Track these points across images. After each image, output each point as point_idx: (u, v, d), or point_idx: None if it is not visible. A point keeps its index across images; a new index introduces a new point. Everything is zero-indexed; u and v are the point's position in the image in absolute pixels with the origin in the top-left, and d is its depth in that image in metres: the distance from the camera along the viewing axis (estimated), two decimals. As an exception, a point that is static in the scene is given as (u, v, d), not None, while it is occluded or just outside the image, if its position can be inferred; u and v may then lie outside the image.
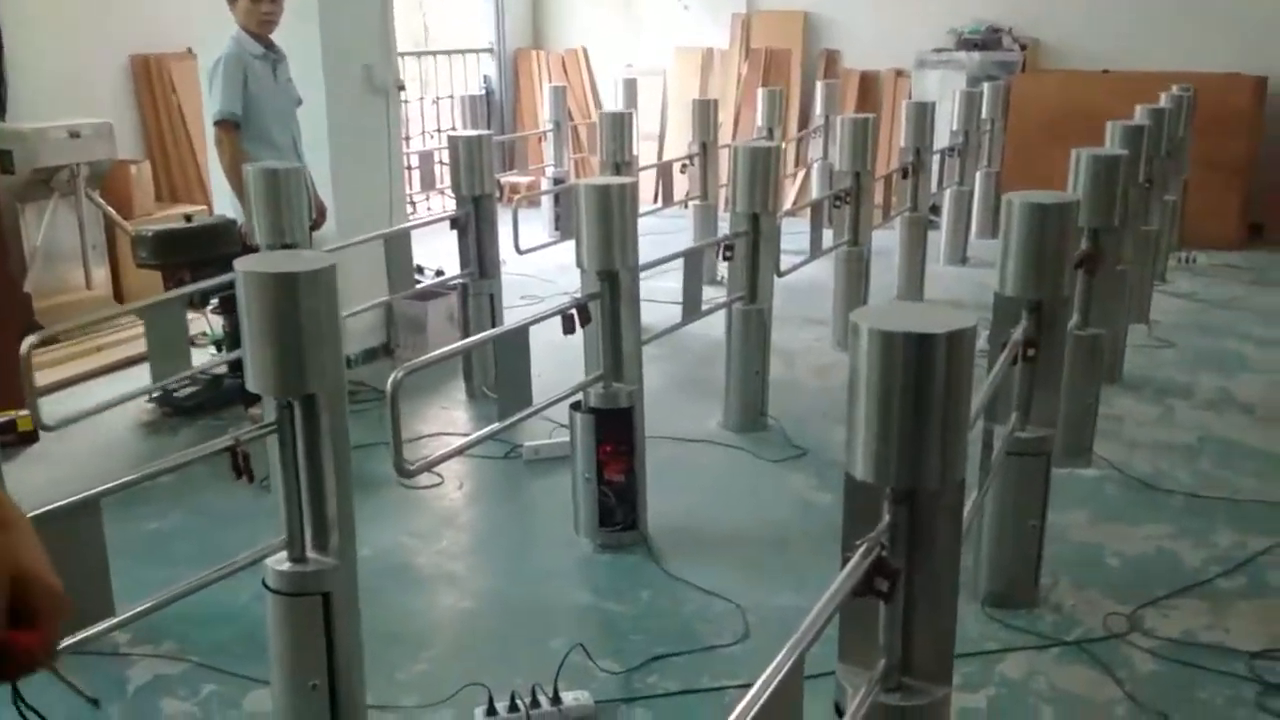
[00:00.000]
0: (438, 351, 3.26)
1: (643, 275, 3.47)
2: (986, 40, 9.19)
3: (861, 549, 1.81)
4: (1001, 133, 8.64)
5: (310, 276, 2.14)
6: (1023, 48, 9.17)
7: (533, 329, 3.37)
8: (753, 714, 1.33)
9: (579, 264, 3.39)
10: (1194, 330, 6.20)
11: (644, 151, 9.94)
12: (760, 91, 8.50)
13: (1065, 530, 3.79)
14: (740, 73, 10.13)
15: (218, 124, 4.67)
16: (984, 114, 8.16)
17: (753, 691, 1.37)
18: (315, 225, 4.88)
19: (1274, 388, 5.27)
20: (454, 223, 4.97)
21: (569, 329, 3.29)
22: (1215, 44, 8.64)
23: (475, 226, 4.92)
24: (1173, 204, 7.25)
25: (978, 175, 8.20)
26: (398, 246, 4.71)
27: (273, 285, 2.14)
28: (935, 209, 7.99)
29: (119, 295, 6.35)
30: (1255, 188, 8.46)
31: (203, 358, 4.65)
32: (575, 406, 3.52)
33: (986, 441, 2.91)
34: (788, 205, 8.90)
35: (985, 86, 8.40)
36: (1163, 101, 6.57)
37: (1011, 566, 3.27)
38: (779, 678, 1.41)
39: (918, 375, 1.78)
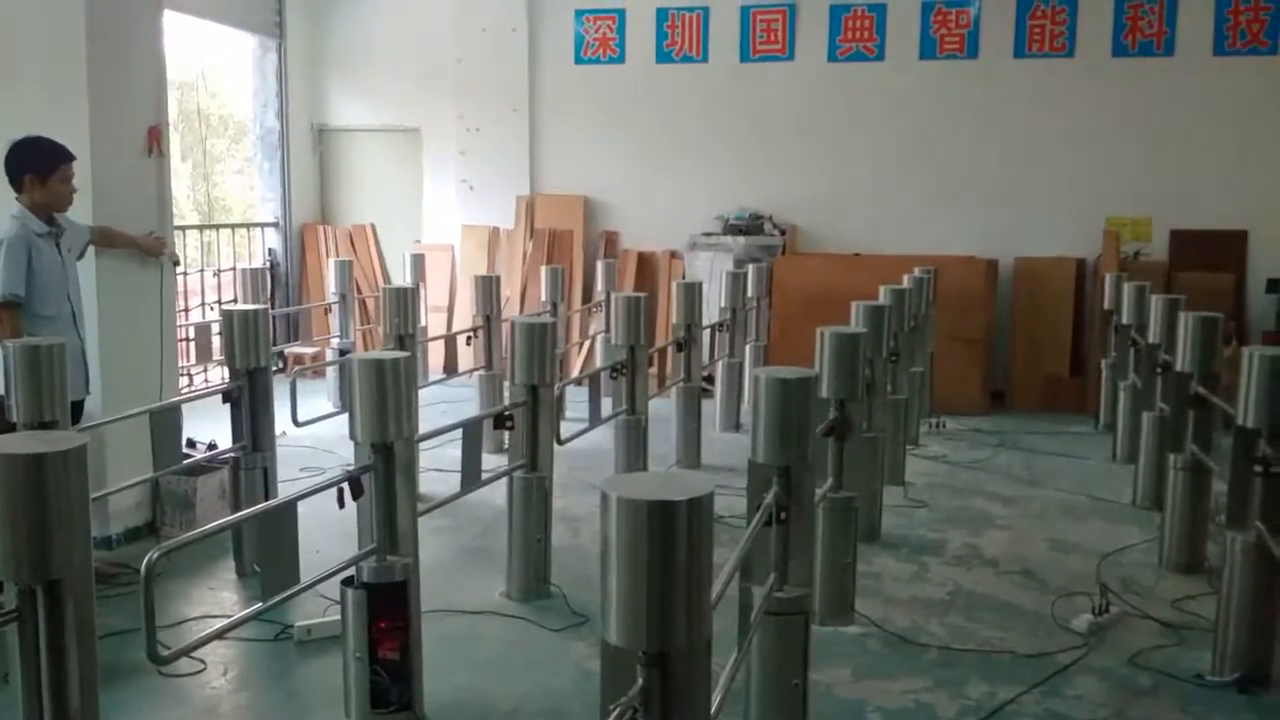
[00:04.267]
0: (197, 530, 3.16)
1: (433, 444, 3.51)
2: (750, 226, 9.98)
3: (615, 713, 1.89)
4: (767, 309, 9.28)
5: (58, 458, 2.09)
6: (783, 233, 9.99)
7: (318, 503, 3.34)
8: None
9: (351, 436, 3.41)
10: (945, 490, 6.70)
11: (434, 323, 10.10)
12: (544, 269, 8.85)
13: (831, 688, 3.96)
14: (525, 250, 10.50)
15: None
16: (750, 292, 8.75)
17: None
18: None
19: (1016, 543, 5.73)
20: (226, 396, 4.88)
21: (341, 503, 3.27)
22: (953, 230, 9.69)
23: (249, 399, 4.85)
24: (920, 374, 7.93)
25: (747, 348, 8.72)
26: (165, 420, 4.56)
27: (17, 467, 2.08)
28: (710, 379, 8.43)
29: None
30: (994, 359, 9.38)
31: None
32: (347, 582, 3.46)
33: (746, 602, 3.05)
34: (575, 375, 9.15)
35: (750, 267, 9.05)
36: (905, 282, 7.27)
37: (779, 725, 3.38)
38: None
39: (662, 541, 1.91)
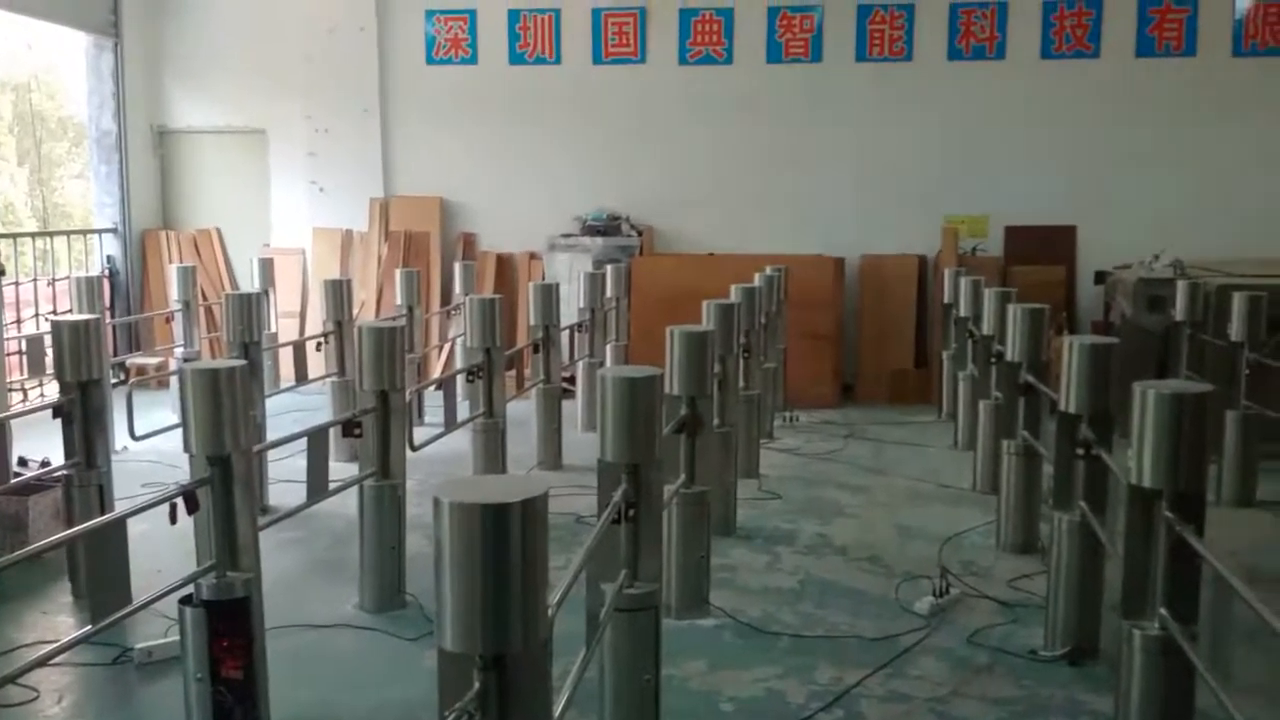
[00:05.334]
0: (21, 551, 3.00)
1: (285, 454, 3.41)
2: (608, 227, 10.05)
3: (450, 719, 1.88)
4: (626, 309, 9.34)
5: None
6: (640, 233, 10.08)
7: (159, 520, 3.20)
8: None
9: (186, 449, 3.29)
10: (797, 482, 6.88)
11: (286, 329, 9.82)
12: (399, 272, 8.71)
13: (685, 681, 4.02)
14: (380, 253, 10.32)
15: None
16: (609, 292, 8.80)
17: None
18: None
19: (864, 530, 5.92)
20: (57, 411, 4.64)
21: (174, 518, 3.15)
22: (802, 230, 9.97)
23: (82, 414, 4.62)
24: (773, 370, 8.12)
25: (608, 348, 8.77)
26: (-13, 440, 4.32)
27: None
28: (571, 380, 8.45)
29: None
30: (843, 353, 9.68)
31: None
32: (185, 600, 3.34)
33: (595, 600, 3.08)
34: (433, 379, 9.03)
35: (609, 268, 9.11)
36: (756, 281, 7.42)
37: (633, 720, 3.41)
38: None
39: (495, 544, 1.91)
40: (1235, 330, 6.34)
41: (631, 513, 3.30)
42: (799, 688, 3.99)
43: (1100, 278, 9.31)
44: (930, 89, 9.89)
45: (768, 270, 8.15)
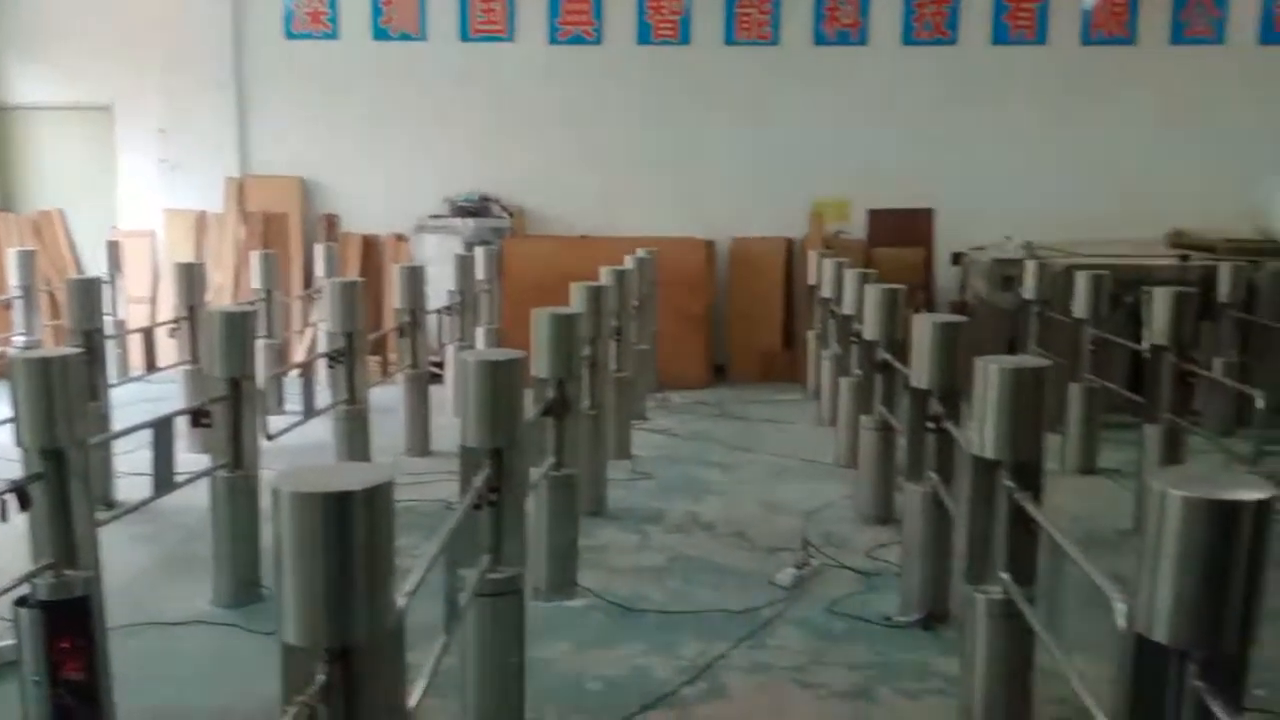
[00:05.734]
0: None
1: (131, 446, 3.24)
2: (479, 208, 9.92)
3: (291, 713, 1.83)
4: (499, 292, 9.24)
5: None
6: (511, 215, 9.99)
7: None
8: None
9: (18, 442, 3.12)
10: (669, 461, 6.94)
11: (136, 316, 9.39)
12: (255, 254, 8.42)
13: (553, 662, 4.02)
14: (238, 236, 9.96)
15: None
16: (480, 275, 8.68)
17: None
18: None
19: (732, 507, 6.01)
20: None
21: (4, 516, 2.98)
22: (674, 212, 10.02)
23: (-97, 408, 4.32)
24: (645, 351, 8.17)
25: (480, 332, 8.66)
26: None
27: None
28: (440, 365, 8.32)
29: None
30: (715, 334, 9.80)
31: None
32: (20, 602, 3.17)
33: (454, 586, 3.04)
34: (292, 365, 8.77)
35: (479, 250, 8.98)
36: (627, 263, 7.45)
37: (496, 706, 3.39)
38: None
39: (337, 533, 1.86)
40: (1079, 307, 6.66)
41: (494, 497, 3.27)
42: (665, 663, 4.04)
43: (957, 259, 9.64)
44: (797, 73, 10.05)
45: (640, 253, 8.19)
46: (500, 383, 3.26)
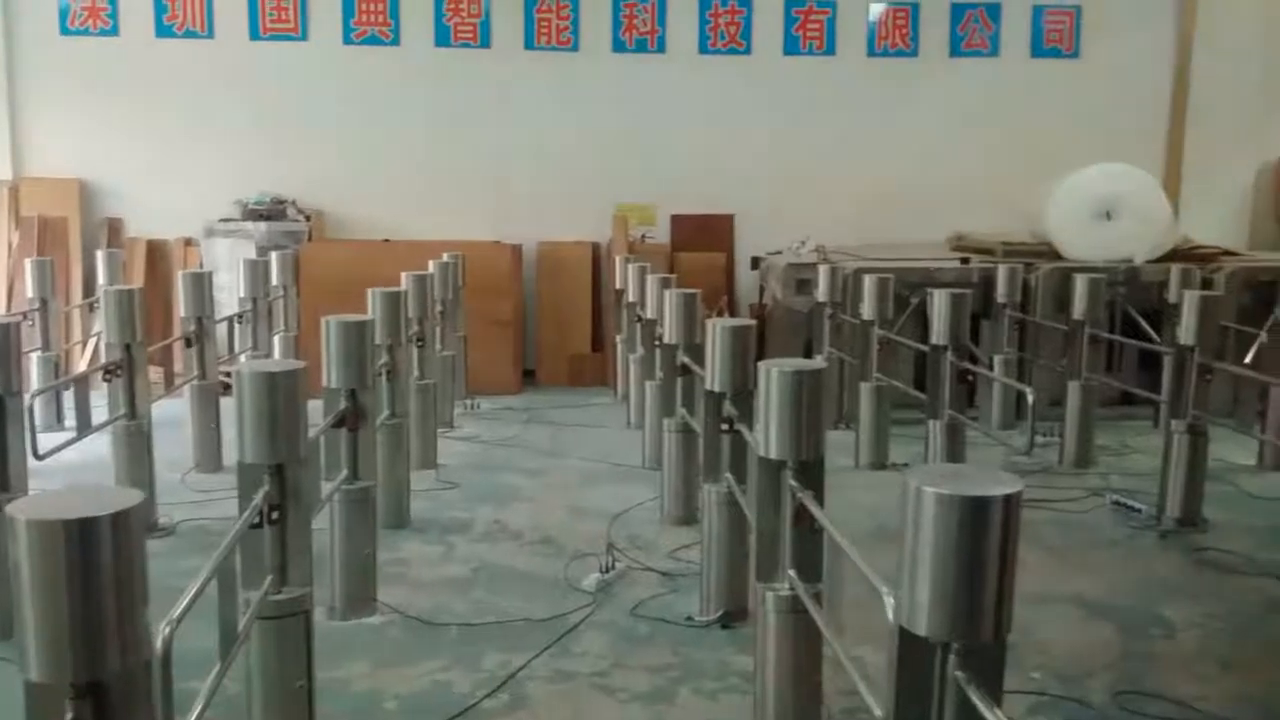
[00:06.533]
0: None
1: None
2: (272, 211, 9.55)
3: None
4: (295, 298, 8.91)
5: None
6: (308, 218, 9.66)
7: None
8: None
9: None
10: (476, 470, 6.85)
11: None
12: (29, 261, 7.84)
13: (348, 683, 3.89)
14: (10, 241, 9.25)
15: None
16: (274, 280, 8.35)
17: None
18: None
19: (539, 513, 5.98)
20: None
21: None
22: (479, 216, 9.93)
23: None
24: (452, 358, 8.05)
25: (276, 340, 8.33)
26: None
27: None
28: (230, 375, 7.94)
29: None
30: (524, 339, 9.76)
31: None
32: None
33: (230, 608, 2.89)
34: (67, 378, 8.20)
35: (274, 255, 8.64)
36: (430, 268, 7.32)
37: (285, 732, 3.26)
38: None
39: (81, 562, 1.74)
40: (866, 309, 6.97)
41: (275, 515, 3.14)
42: (465, 676, 3.97)
43: (755, 263, 9.93)
44: (597, 79, 10.13)
45: (444, 257, 8.06)
46: (279, 395, 3.13)
